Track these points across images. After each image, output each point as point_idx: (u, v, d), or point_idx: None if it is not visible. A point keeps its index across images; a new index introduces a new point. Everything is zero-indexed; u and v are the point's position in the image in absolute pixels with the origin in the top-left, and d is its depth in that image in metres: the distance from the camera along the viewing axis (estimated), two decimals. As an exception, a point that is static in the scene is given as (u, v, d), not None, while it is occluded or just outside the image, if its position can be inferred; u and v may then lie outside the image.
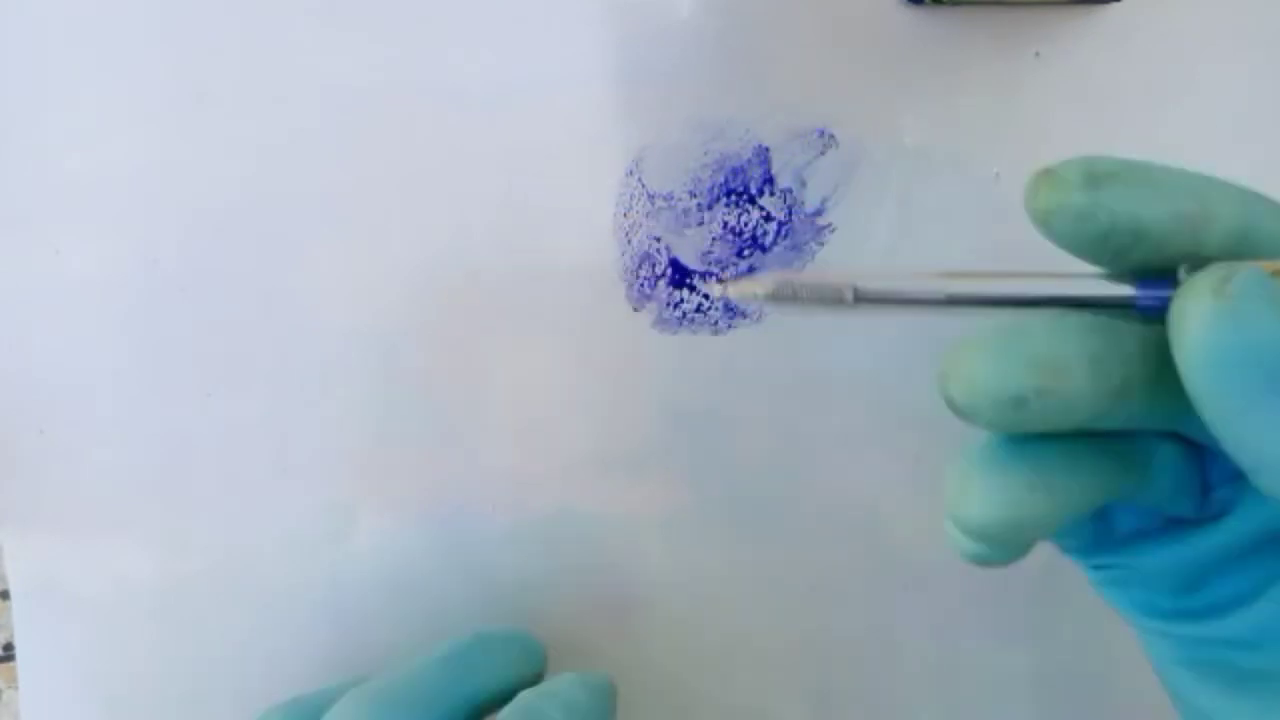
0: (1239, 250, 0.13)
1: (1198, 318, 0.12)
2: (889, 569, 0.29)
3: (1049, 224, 0.14)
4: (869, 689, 0.30)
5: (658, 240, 0.26)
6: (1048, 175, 0.14)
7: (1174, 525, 0.17)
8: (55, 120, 0.24)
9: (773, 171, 0.26)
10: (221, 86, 0.24)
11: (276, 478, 0.27)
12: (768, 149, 0.26)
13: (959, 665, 0.30)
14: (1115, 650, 0.30)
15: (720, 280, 0.24)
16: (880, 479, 0.29)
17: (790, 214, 0.26)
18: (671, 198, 0.26)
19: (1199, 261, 0.13)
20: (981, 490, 0.14)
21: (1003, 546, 0.15)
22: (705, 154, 0.25)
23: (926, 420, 0.28)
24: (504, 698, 0.22)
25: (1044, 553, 0.29)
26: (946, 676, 0.30)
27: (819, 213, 0.26)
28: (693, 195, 0.26)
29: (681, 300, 0.27)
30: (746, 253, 0.26)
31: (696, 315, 0.27)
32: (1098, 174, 0.14)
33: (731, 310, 0.27)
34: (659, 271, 0.26)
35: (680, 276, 0.26)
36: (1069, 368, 0.13)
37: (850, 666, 0.30)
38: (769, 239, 0.26)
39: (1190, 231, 0.13)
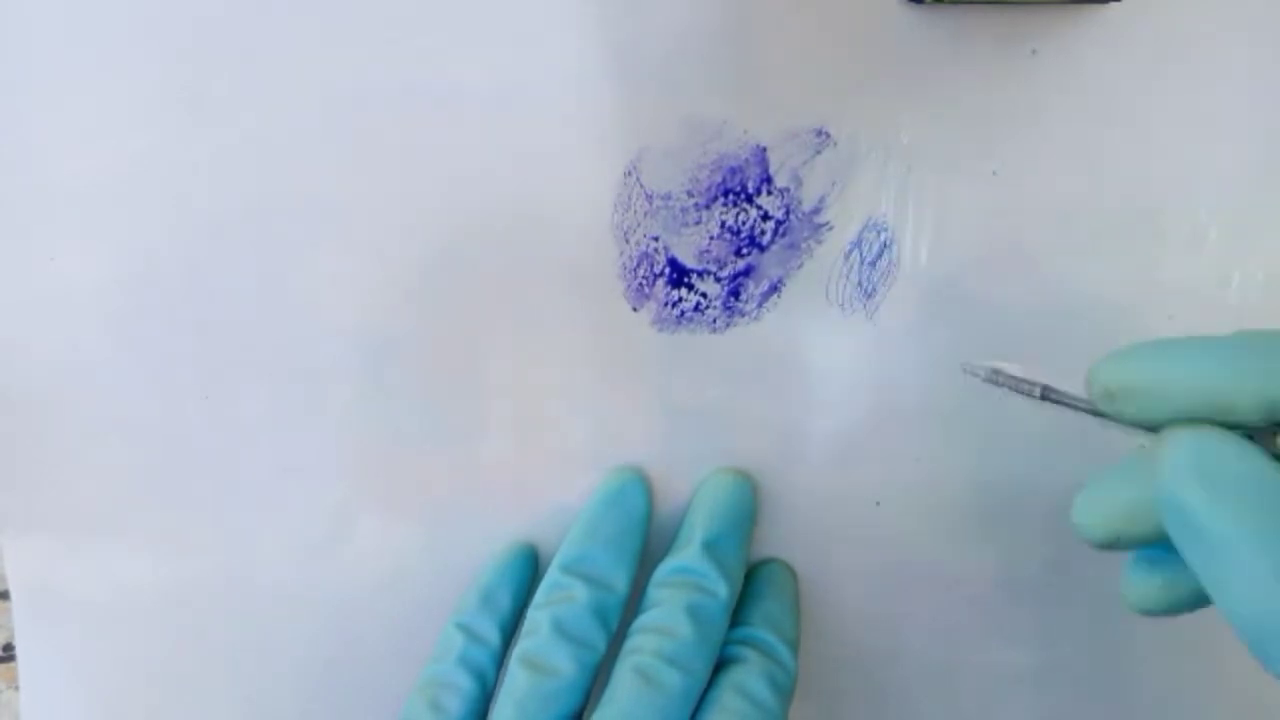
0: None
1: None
2: (889, 569, 0.29)
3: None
4: (871, 689, 0.30)
5: (656, 240, 0.26)
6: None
7: None
8: (53, 123, 0.24)
9: (770, 171, 0.26)
10: (219, 88, 0.24)
11: (276, 478, 0.27)
12: (765, 149, 0.26)
13: (960, 665, 0.30)
14: (1117, 649, 0.30)
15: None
16: (880, 479, 0.29)
17: (788, 213, 0.26)
18: (670, 197, 0.26)
19: None
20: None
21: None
22: (703, 154, 0.26)
23: (927, 420, 0.28)
24: None
25: (1045, 553, 0.29)
26: (948, 676, 0.30)
27: (816, 211, 0.26)
28: (690, 195, 0.26)
29: (680, 299, 0.27)
30: (744, 251, 0.26)
31: (694, 314, 0.27)
32: (1112, 390, 0.19)
33: (729, 309, 0.27)
34: (657, 270, 0.26)
35: (678, 275, 0.26)
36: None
37: (852, 666, 0.30)
38: (766, 238, 0.26)
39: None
